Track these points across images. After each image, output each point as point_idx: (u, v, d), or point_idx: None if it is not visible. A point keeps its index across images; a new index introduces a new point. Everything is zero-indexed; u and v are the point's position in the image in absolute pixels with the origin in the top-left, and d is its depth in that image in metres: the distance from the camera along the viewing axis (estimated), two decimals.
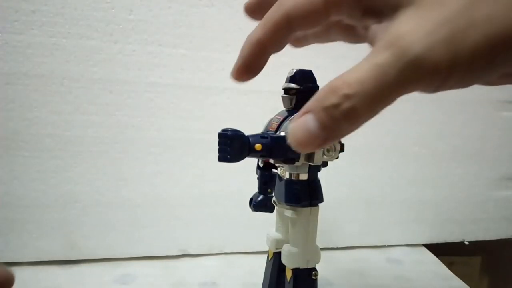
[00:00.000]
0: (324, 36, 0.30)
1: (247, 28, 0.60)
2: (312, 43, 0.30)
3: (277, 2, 0.24)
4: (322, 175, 0.34)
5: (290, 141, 0.21)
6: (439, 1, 0.19)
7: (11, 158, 0.51)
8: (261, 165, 0.36)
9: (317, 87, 0.34)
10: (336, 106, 0.19)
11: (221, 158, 0.30)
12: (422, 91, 0.21)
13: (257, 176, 0.37)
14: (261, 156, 0.31)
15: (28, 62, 0.49)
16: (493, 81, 0.22)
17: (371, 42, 0.24)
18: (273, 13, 0.24)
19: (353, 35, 0.28)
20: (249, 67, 0.27)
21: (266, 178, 0.36)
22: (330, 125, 0.20)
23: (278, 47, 0.25)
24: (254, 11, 0.30)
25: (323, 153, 0.31)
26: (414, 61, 0.18)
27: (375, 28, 0.23)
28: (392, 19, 0.20)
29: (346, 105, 0.19)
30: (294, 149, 0.22)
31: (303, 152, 0.22)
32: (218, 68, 0.55)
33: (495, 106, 0.65)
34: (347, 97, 0.19)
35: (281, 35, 0.24)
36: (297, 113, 0.21)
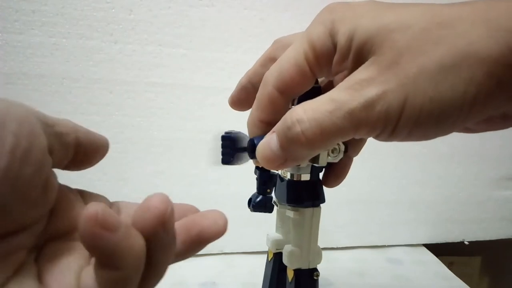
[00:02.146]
0: None
1: (247, 28, 0.61)
2: None
3: (262, 81, 0.25)
4: (321, 175, 0.34)
5: (257, 157, 0.23)
6: (395, 61, 0.20)
7: None
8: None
9: (319, 87, 0.34)
10: (289, 128, 0.21)
11: (224, 161, 0.30)
12: (373, 137, 0.22)
13: (256, 176, 0.37)
14: None
15: (28, 62, 0.49)
16: (474, 128, 0.25)
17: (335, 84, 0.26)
18: (263, 92, 0.25)
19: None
20: (241, 100, 0.30)
21: (265, 178, 0.36)
22: (286, 146, 0.22)
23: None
24: (239, 103, 0.31)
25: (328, 154, 0.31)
26: (362, 108, 0.20)
27: (342, 74, 0.24)
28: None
29: (296, 129, 0.21)
30: (261, 165, 0.23)
31: (269, 168, 0.24)
32: (218, 68, 0.55)
33: None
34: (298, 121, 0.21)
35: (279, 107, 0.25)
36: (268, 133, 0.23)
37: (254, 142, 0.29)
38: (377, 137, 0.22)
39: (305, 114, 0.21)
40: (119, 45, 0.52)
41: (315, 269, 0.34)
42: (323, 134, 0.20)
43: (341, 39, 0.22)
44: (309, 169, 0.33)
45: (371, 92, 0.20)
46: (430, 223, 0.65)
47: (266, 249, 0.39)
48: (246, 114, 0.56)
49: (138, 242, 0.17)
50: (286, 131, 0.21)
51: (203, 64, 0.55)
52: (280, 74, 0.24)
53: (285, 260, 0.34)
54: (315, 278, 0.34)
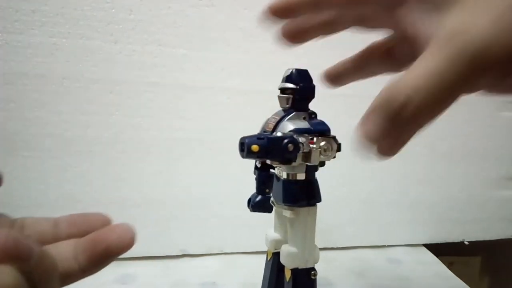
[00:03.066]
0: (333, 25, 0.28)
1: (247, 28, 0.61)
2: (318, 35, 0.29)
3: None
4: (322, 175, 0.34)
5: (358, 134, 0.21)
6: None
7: (11, 158, 0.51)
8: (258, 165, 0.36)
9: (313, 86, 0.34)
10: (392, 103, 0.19)
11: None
12: (488, 86, 0.20)
13: (255, 176, 0.37)
14: (258, 157, 0.31)
15: (28, 62, 0.50)
16: None
17: (415, 35, 0.23)
18: None
19: (368, 22, 0.27)
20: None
21: (263, 178, 0.36)
22: (386, 121, 0.20)
23: (306, 7, 0.25)
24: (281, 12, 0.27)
25: (320, 153, 0.31)
26: (478, 54, 0.18)
27: (418, 18, 0.22)
28: (442, 10, 0.20)
29: (409, 100, 0.19)
30: (360, 141, 0.21)
31: (369, 144, 0.22)
32: (218, 68, 0.55)
33: (495, 106, 0.65)
34: (409, 96, 0.19)
35: None
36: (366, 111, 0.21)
37: (245, 141, 0.29)
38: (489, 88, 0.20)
39: (414, 86, 0.19)
40: (119, 45, 0.52)
41: (313, 269, 0.34)
42: (434, 105, 0.19)
43: None
44: (303, 169, 0.33)
45: (478, 39, 0.18)
46: (430, 223, 0.65)
47: (266, 249, 0.39)
48: (246, 114, 0.56)
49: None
50: (389, 105, 0.20)
51: (203, 64, 0.55)
52: None
53: (282, 260, 0.34)
54: (312, 277, 0.34)
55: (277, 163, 0.32)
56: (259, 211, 0.37)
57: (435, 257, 0.61)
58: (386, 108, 0.20)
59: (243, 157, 0.31)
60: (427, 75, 0.19)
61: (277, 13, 0.26)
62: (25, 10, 0.49)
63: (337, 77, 0.31)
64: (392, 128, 0.20)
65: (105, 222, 0.25)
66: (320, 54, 0.59)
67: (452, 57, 0.18)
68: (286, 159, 0.31)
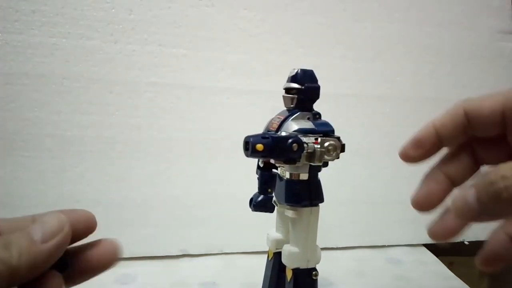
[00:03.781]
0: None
1: (247, 28, 0.61)
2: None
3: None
4: (322, 175, 0.34)
5: (452, 206, 0.23)
6: None
7: (11, 158, 0.51)
8: (261, 165, 0.36)
9: (318, 86, 0.34)
10: (492, 183, 0.21)
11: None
12: None
13: (257, 176, 0.37)
14: (262, 156, 0.31)
15: (28, 62, 0.49)
16: None
17: None
18: (453, 105, 0.25)
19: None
20: (417, 143, 0.27)
21: (266, 178, 0.36)
22: (484, 200, 0.21)
23: (451, 138, 0.26)
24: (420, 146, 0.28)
25: (324, 154, 0.31)
26: None
27: None
28: None
29: (499, 184, 0.20)
30: (456, 217, 0.24)
31: (463, 220, 0.24)
32: (218, 68, 0.55)
33: None
34: (503, 177, 0.20)
35: (455, 124, 0.25)
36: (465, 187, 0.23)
37: (250, 140, 0.29)
38: None
39: (509, 169, 0.20)
40: (119, 45, 0.52)
41: (314, 269, 0.34)
42: None
43: None
44: (307, 169, 0.33)
45: None
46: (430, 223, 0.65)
47: (266, 249, 0.39)
48: (246, 113, 0.56)
49: None
50: (488, 186, 0.21)
51: (203, 64, 0.55)
52: (478, 101, 0.24)
53: (284, 260, 0.34)
54: (314, 277, 0.34)
55: (281, 162, 0.32)
56: (260, 211, 0.37)
57: (435, 257, 0.61)
58: (482, 185, 0.21)
59: (247, 156, 0.30)
60: None
61: (408, 158, 0.28)
62: (25, 10, 0.48)
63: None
64: (481, 203, 0.22)
65: (89, 219, 0.24)
66: (320, 54, 0.59)
67: None
68: (290, 159, 0.31)
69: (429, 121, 0.27)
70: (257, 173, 0.37)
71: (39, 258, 0.19)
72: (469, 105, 0.25)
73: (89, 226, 0.24)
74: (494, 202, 0.21)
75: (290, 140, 0.30)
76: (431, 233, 0.28)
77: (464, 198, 0.22)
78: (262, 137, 0.30)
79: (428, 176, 0.28)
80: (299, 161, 0.31)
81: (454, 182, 0.27)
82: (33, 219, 0.23)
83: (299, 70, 0.34)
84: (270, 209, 0.37)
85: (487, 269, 0.24)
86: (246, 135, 0.31)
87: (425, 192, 0.26)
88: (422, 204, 0.26)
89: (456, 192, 0.24)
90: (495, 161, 0.25)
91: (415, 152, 0.27)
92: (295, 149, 0.30)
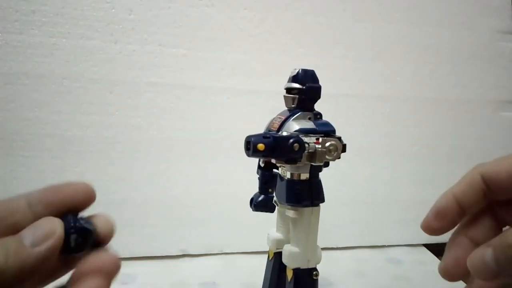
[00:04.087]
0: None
1: (247, 28, 0.61)
2: None
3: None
4: (323, 175, 0.34)
5: (468, 264, 0.23)
6: None
7: (11, 158, 0.51)
8: (262, 165, 0.36)
9: (320, 87, 0.34)
10: (510, 247, 0.21)
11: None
12: None
13: (258, 176, 0.37)
14: (264, 156, 0.31)
15: (28, 62, 0.49)
16: None
17: None
18: (469, 171, 0.25)
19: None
20: (439, 214, 0.26)
21: (267, 178, 0.36)
22: (502, 263, 0.21)
23: (472, 205, 0.26)
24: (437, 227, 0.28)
25: (325, 154, 0.31)
26: None
27: None
28: None
29: None
30: (474, 277, 0.23)
31: (481, 279, 0.24)
32: (218, 68, 0.55)
33: (495, 106, 0.65)
34: None
35: (474, 190, 0.25)
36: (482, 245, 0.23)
37: (251, 139, 0.29)
38: None
39: None
40: (119, 45, 0.52)
41: (315, 269, 0.34)
42: None
43: None
44: (308, 169, 0.33)
45: None
46: None
47: (267, 249, 0.39)
48: (246, 113, 0.56)
49: None
50: (506, 249, 0.21)
51: (203, 64, 0.55)
52: (493, 166, 0.24)
53: (284, 260, 0.34)
54: (314, 277, 0.34)
55: (282, 162, 0.32)
56: (261, 211, 0.37)
57: (435, 257, 0.61)
58: (500, 246, 0.22)
59: (248, 155, 0.30)
60: None
61: (432, 231, 0.27)
62: (25, 10, 0.48)
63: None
64: (499, 265, 0.22)
65: (88, 190, 0.24)
66: (320, 54, 0.59)
67: None
68: (291, 159, 0.31)
69: (447, 191, 0.26)
70: (257, 173, 0.37)
71: (28, 261, 0.19)
72: (485, 171, 0.25)
73: (88, 198, 0.24)
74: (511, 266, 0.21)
75: (291, 140, 0.30)
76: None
77: (482, 259, 0.22)
78: (263, 137, 0.30)
79: (453, 243, 0.27)
80: (300, 161, 0.31)
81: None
82: (27, 199, 0.22)
83: (300, 70, 0.34)
84: (271, 209, 0.37)
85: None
86: (246, 135, 0.31)
87: (452, 259, 0.25)
88: (452, 272, 0.26)
89: (474, 252, 0.23)
90: None
91: (438, 224, 0.27)
92: (296, 149, 0.30)
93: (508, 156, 0.25)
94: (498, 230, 0.26)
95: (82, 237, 0.21)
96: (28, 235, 0.20)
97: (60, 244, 0.20)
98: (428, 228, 0.27)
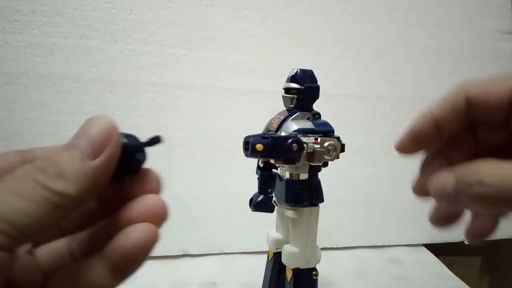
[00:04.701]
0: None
1: (247, 28, 0.61)
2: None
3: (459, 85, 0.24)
4: (322, 175, 0.34)
5: (429, 186, 0.23)
6: None
7: None
8: (261, 165, 0.36)
9: (318, 86, 0.34)
10: (470, 185, 0.20)
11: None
12: None
13: (257, 176, 0.37)
14: (262, 156, 0.31)
15: (28, 62, 0.49)
16: None
17: None
18: (452, 92, 0.25)
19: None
20: (415, 136, 0.26)
21: (266, 178, 0.36)
22: (461, 196, 0.21)
23: (451, 126, 0.25)
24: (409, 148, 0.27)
25: (324, 154, 0.31)
26: None
27: None
28: None
29: (475, 189, 0.20)
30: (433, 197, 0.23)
31: (437, 201, 0.23)
32: (218, 68, 0.55)
33: None
34: (480, 184, 0.20)
35: (456, 112, 0.24)
36: (446, 169, 0.22)
37: (250, 140, 0.29)
38: None
39: (490, 178, 0.20)
40: (119, 45, 0.52)
41: (314, 269, 0.34)
42: (499, 202, 0.20)
43: None
44: (307, 169, 0.33)
45: None
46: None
47: (266, 249, 0.39)
48: (246, 113, 0.56)
49: None
50: (466, 186, 0.21)
51: (203, 64, 0.55)
52: (483, 87, 0.23)
53: (284, 260, 0.34)
54: (314, 277, 0.34)
55: (281, 162, 0.32)
56: (260, 211, 0.37)
57: (435, 257, 0.61)
58: (462, 181, 0.21)
59: (247, 156, 0.31)
60: (503, 181, 0.20)
61: (405, 151, 0.27)
62: (25, 10, 0.48)
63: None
64: (458, 196, 0.21)
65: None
66: (320, 54, 0.59)
67: None
68: (290, 159, 0.31)
69: (426, 112, 0.26)
70: (257, 173, 0.37)
71: (97, 178, 0.17)
72: (472, 92, 0.24)
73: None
74: (467, 200, 0.21)
75: (290, 140, 0.30)
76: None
77: (444, 185, 0.22)
78: (262, 137, 0.30)
79: (429, 161, 0.27)
80: (299, 161, 0.31)
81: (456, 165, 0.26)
82: (22, 154, 0.19)
83: (298, 70, 0.34)
84: (270, 209, 0.37)
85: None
86: (246, 135, 0.31)
87: (426, 178, 0.25)
88: (424, 190, 0.25)
89: (436, 175, 0.22)
90: (496, 143, 0.24)
91: (412, 147, 0.26)
92: (295, 149, 0.30)
93: (500, 78, 0.24)
94: (477, 152, 0.25)
95: (141, 153, 0.18)
96: (85, 146, 0.17)
97: (120, 147, 0.17)
98: (402, 149, 0.26)
